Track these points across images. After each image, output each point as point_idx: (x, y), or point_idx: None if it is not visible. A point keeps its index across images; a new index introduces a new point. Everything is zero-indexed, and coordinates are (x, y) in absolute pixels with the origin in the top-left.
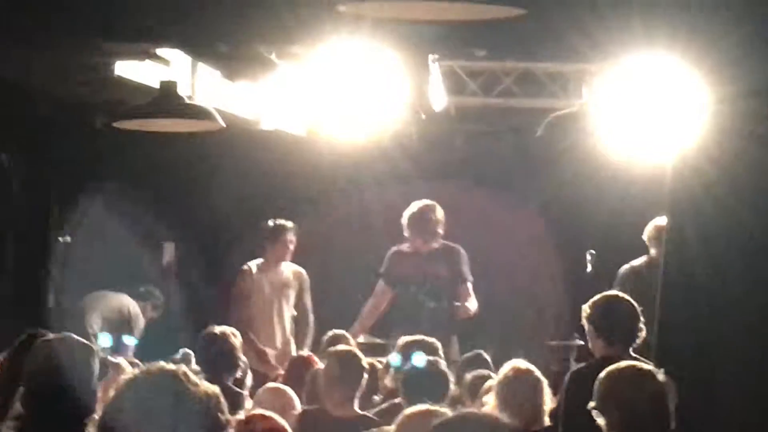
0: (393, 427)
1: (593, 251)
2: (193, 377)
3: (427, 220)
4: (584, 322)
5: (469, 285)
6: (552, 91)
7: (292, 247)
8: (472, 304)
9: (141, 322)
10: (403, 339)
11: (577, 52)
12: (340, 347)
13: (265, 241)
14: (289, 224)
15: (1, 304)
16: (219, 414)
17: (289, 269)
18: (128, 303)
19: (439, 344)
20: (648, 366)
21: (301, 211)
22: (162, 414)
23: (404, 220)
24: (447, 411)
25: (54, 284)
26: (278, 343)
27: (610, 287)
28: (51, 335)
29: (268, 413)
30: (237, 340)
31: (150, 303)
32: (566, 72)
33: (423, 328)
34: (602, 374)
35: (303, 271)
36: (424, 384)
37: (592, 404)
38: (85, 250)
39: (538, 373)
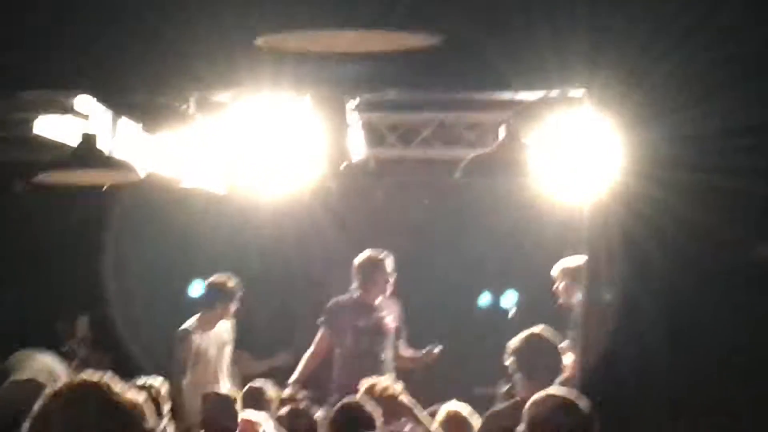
0: None
1: (516, 293)
2: (115, 387)
3: (382, 270)
4: (508, 356)
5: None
6: (470, 140)
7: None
8: (413, 356)
9: None
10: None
11: (495, 83)
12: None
13: (217, 300)
14: (238, 282)
15: None
16: (143, 423)
17: (225, 326)
18: (54, 363)
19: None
20: (574, 395)
21: (221, 269)
22: (87, 423)
23: (356, 270)
24: None
25: None
26: None
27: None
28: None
29: None
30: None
31: (75, 361)
32: (483, 122)
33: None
34: (530, 400)
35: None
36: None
37: (520, 428)
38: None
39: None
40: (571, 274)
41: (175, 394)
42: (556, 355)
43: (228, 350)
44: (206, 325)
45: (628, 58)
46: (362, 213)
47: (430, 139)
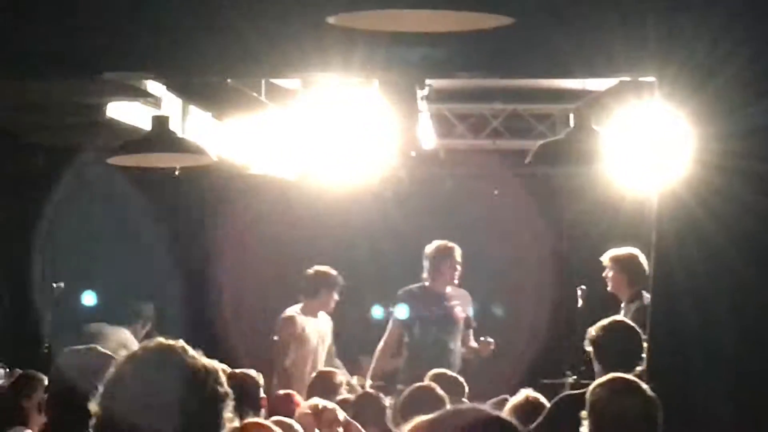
0: None
1: (584, 286)
2: (191, 351)
3: (451, 259)
4: (588, 345)
5: (471, 330)
6: (539, 131)
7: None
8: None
9: None
10: (433, 372)
11: (565, 69)
12: None
13: (321, 289)
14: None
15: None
16: (218, 386)
17: (325, 317)
18: (128, 337)
19: (464, 383)
20: (636, 379)
21: (290, 255)
22: (161, 385)
23: (427, 258)
24: None
25: (48, 328)
26: None
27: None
28: (78, 347)
29: (264, 422)
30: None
31: (140, 323)
32: (554, 113)
33: (441, 368)
34: (593, 384)
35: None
36: None
37: (583, 413)
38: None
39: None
40: (619, 263)
41: (278, 375)
42: (636, 344)
43: (328, 341)
44: (309, 312)
45: (700, 52)
46: (432, 202)
47: (499, 129)
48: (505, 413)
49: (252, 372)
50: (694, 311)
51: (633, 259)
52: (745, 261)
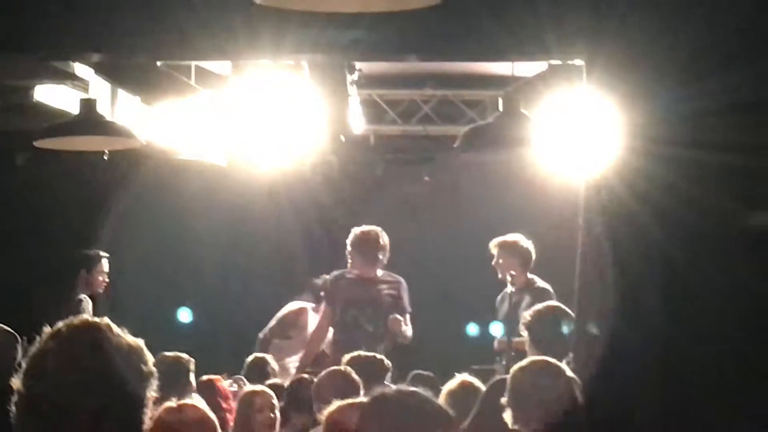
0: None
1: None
2: (116, 329)
3: (374, 245)
4: (523, 329)
5: (408, 316)
6: (470, 117)
7: None
8: (408, 332)
9: None
10: (348, 356)
11: (495, 51)
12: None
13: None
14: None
15: None
16: (141, 365)
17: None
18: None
19: (384, 362)
20: (556, 362)
21: (221, 241)
22: (84, 362)
23: (349, 244)
24: None
25: None
26: None
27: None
28: None
29: (199, 403)
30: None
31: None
32: (483, 98)
33: (359, 350)
34: (514, 367)
35: None
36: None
37: (504, 399)
38: None
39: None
40: (508, 248)
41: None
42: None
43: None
44: (317, 312)
45: (628, 36)
46: (362, 187)
47: (430, 115)
48: (441, 398)
49: (184, 355)
50: (622, 296)
51: (519, 242)
52: (673, 245)
